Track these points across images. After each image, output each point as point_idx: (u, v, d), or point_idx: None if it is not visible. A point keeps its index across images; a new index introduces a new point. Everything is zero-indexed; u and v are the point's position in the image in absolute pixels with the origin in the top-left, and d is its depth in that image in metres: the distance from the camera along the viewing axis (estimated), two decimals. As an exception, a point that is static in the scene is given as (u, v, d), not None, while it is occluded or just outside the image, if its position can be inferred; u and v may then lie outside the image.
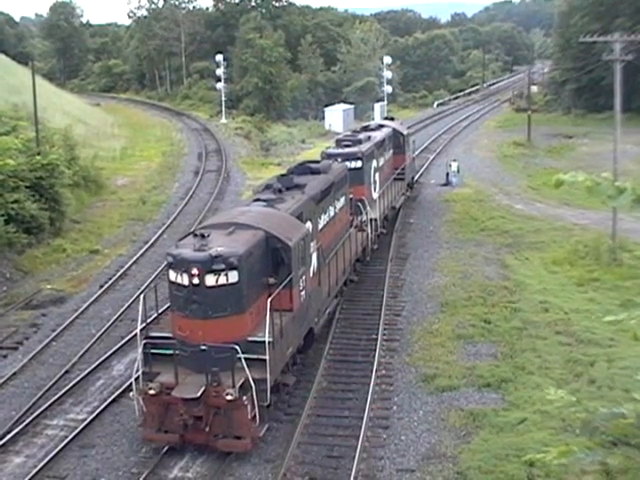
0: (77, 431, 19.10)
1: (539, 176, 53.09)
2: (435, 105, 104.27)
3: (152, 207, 44.44)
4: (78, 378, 22.11)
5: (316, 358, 22.47)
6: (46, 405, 20.46)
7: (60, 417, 20.13)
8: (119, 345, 24.44)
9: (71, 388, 21.56)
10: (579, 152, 62.40)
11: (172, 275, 17.93)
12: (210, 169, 56.08)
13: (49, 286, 30.54)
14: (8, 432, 19.11)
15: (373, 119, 60.27)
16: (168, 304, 20.04)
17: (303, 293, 20.32)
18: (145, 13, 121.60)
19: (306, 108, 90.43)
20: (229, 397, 16.78)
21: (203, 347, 17.03)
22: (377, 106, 79.76)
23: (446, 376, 21.49)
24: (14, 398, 21.24)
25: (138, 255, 34.38)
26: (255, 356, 17.28)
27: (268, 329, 17.30)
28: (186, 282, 17.46)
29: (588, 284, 28.94)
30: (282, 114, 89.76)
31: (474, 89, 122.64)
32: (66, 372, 22.71)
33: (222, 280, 17.38)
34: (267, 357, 17.26)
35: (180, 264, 17.56)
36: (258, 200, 21.69)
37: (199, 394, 16.91)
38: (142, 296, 18.89)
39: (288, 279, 19.18)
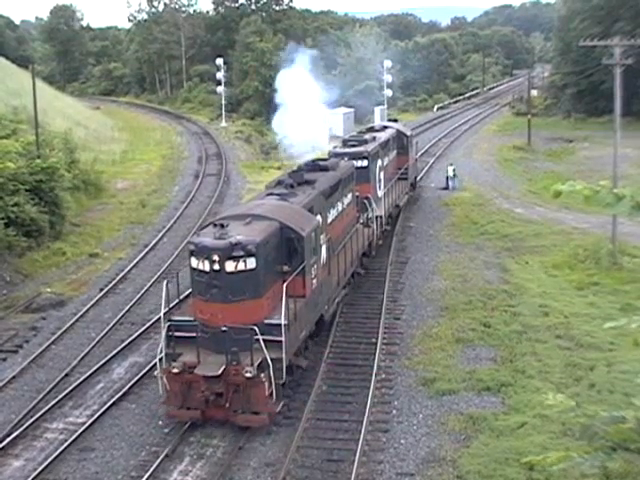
0: (77, 434, 19.09)
1: (539, 180, 53.15)
2: (435, 109, 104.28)
3: (152, 210, 44.43)
4: (78, 381, 22.09)
5: (316, 362, 22.45)
6: (46, 408, 20.45)
7: (60, 420, 20.12)
8: (119, 348, 24.42)
9: (71, 391, 21.54)
10: (579, 156, 62.43)
11: (194, 262, 19.10)
12: (210, 172, 56.07)
13: (49, 289, 30.53)
14: (7, 435, 19.10)
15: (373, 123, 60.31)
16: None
17: (315, 281, 21.48)
18: (145, 17, 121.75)
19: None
20: (248, 375, 17.94)
21: (224, 328, 18.21)
22: (377, 110, 79.68)
23: (446, 380, 21.49)
24: (14, 401, 21.23)
25: (138, 259, 34.37)
26: (272, 337, 18.41)
27: (284, 312, 18.43)
28: (207, 268, 18.65)
29: (588, 288, 28.94)
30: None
31: (474, 93, 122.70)
32: (66, 375, 22.69)
33: (241, 266, 18.58)
34: (283, 338, 18.40)
35: (201, 251, 18.74)
36: (271, 194, 22.97)
37: (220, 372, 18.09)
38: (165, 282, 20.09)
39: (301, 267, 20.32)
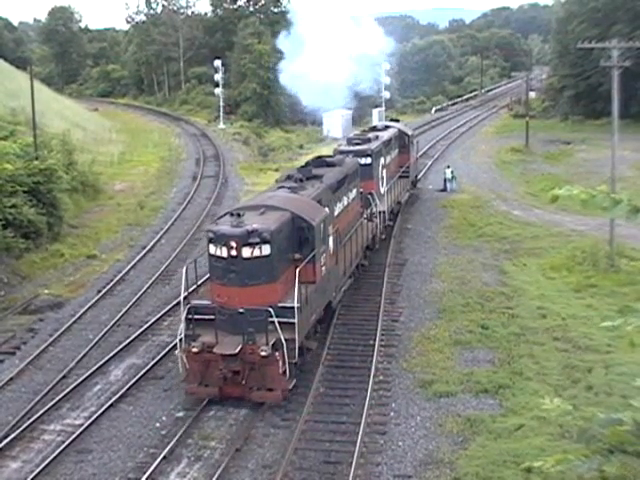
0: (74, 436, 19.06)
1: (537, 182, 53.18)
2: (433, 111, 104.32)
3: (150, 212, 44.42)
4: (75, 383, 22.06)
5: (313, 364, 22.44)
6: (43, 410, 20.42)
7: (57, 422, 20.09)
8: (116, 350, 24.40)
9: (68, 393, 21.51)
10: (577, 158, 62.49)
11: (212, 249, 20.44)
12: (208, 174, 56.06)
13: (47, 291, 30.50)
14: (5, 437, 19.07)
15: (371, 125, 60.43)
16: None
17: (324, 268, 22.75)
18: (143, 18, 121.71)
19: (304, 113, 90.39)
20: (263, 353, 19.20)
21: (241, 310, 19.54)
22: (375, 112, 79.75)
23: (443, 382, 21.48)
24: (11, 403, 21.20)
25: (136, 260, 34.34)
26: (285, 320, 19.58)
27: (297, 296, 19.69)
28: (225, 254, 20.00)
29: (586, 290, 28.95)
30: (280, 119, 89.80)
31: (472, 95, 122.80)
32: (63, 377, 22.66)
33: (256, 252, 19.93)
34: (296, 320, 19.64)
35: (220, 239, 20.08)
36: (282, 187, 24.37)
37: (237, 350, 19.34)
38: (184, 268, 21.07)
39: (311, 255, 21.57)
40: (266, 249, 19.94)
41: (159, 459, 17.84)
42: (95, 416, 20.11)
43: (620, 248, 31.95)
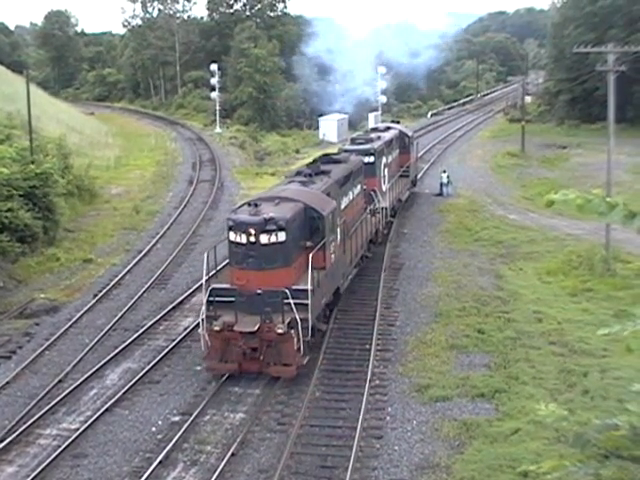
0: (70, 441, 19.03)
1: (533, 186, 53.22)
2: (429, 115, 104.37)
3: (146, 216, 44.36)
4: (71, 387, 22.04)
5: (309, 368, 22.44)
6: (39, 414, 20.39)
7: (53, 426, 20.06)
8: (112, 354, 24.37)
9: (64, 397, 21.49)
10: (573, 162, 62.54)
11: (232, 236, 22.05)
12: (204, 179, 56.01)
13: (42, 295, 30.45)
14: (1, 441, 19.02)
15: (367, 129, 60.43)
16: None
17: (333, 256, 24.35)
18: (140, 22, 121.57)
19: (300, 118, 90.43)
20: (279, 331, 20.73)
21: (259, 292, 21.11)
22: (371, 116, 79.74)
23: (440, 386, 21.49)
24: (7, 407, 21.16)
25: (132, 264, 34.30)
26: (299, 301, 21.11)
27: (310, 280, 21.20)
28: (244, 240, 21.60)
29: (582, 294, 28.98)
30: (276, 124, 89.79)
31: (468, 99, 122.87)
32: (59, 381, 22.63)
33: (273, 239, 21.50)
34: (309, 302, 21.17)
35: (239, 226, 21.69)
36: (293, 182, 26.01)
37: (255, 328, 20.91)
38: (206, 254, 22.44)
39: (322, 243, 23.13)
40: (282, 236, 21.52)
41: (155, 464, 17.82)
42: (91, 420, 20.08)
43: (616, 252, 31.98)
